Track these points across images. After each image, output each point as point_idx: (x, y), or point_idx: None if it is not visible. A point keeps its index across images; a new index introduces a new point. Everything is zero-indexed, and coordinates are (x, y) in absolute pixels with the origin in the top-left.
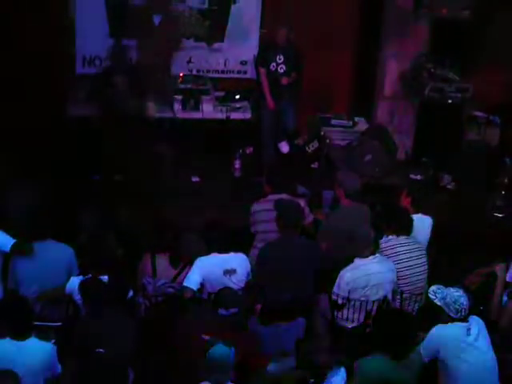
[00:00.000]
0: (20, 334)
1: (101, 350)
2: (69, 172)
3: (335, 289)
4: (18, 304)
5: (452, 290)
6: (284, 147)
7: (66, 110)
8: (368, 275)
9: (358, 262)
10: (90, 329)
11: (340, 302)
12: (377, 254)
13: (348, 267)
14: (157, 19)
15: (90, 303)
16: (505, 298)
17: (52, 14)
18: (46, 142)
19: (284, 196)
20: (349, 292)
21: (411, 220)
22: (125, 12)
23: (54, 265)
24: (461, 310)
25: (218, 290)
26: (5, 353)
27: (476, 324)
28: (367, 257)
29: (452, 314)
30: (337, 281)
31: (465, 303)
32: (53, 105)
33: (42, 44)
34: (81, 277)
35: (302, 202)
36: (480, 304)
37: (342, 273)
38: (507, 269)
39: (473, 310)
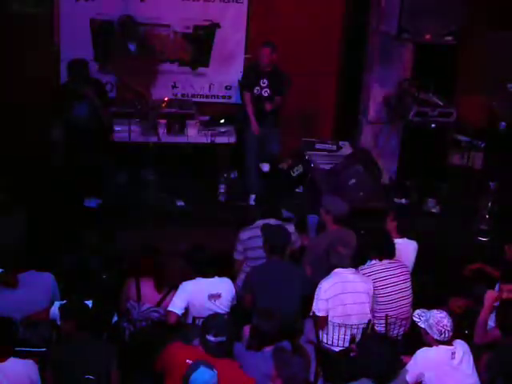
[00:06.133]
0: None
1: (90, 376)
2: (53, 198)
3: (314, 301)
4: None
5: (435, 311)
6: (264, 167)
7: (51, 136)
8: (343, 282)
9: (334, 271)
10: (65, 354)
11: (320, 314)
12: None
13: (324, 278)
14: (132, 46)
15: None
16: (491, 324)
17: (37, 39)
18: (29, 169)
19: (272, 221)
20: (327, 302)
21: (393, 244)
22: (110, 37)
23: (37, 294)
24: (444, 332)
25: (208, 316)
26: None
27: (461, 348)
28: (345, 267)
29: (436, 336)
30: (315, 292)
31: (448, 325)
32: (38, 130)
33: (26, 70)
34: (65, 302)
35: (291, 227)
36: (465, 328)
37: (319, 284)
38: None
39: (458, 333)
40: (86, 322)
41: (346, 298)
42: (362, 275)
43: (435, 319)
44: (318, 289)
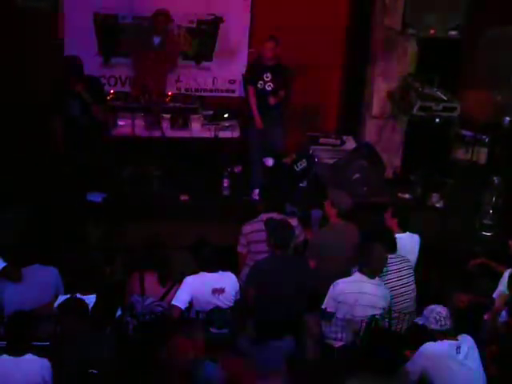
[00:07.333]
0: (18, 350)
1: (93, 370)
2: (56, 193)
3: (327, 297)
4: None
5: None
6: (268, 161)
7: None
8: (359, 293)
9: (356, 276)
10: (67, 349)
11: (330, 309)
12: (377, 278)
13: (345, 278)
14: (156, 39)
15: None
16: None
17: (41, 34)
18: (33, 165)
19: (274, 215)
20: (338, 303)
21: (394, 238)
22: (114, 31)
23: (41, 289)
24: (440, 319)
25: (210, 309)
26: (3, 368)
27: (466, 342)
28: (370, 277)
29: (433, 326)
30: (330, 289)
31: (442, 312)
32: (39, 126)
33: (30, 64)
34: (68, 296)
35: (295, 221)
36: (470, 323)
37: (336, 282)
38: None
39: (463, 328)
40: (85, 318)
41: (355, 309)
42: (383, 289)
43: (428, 310)
44: (333, 287)
